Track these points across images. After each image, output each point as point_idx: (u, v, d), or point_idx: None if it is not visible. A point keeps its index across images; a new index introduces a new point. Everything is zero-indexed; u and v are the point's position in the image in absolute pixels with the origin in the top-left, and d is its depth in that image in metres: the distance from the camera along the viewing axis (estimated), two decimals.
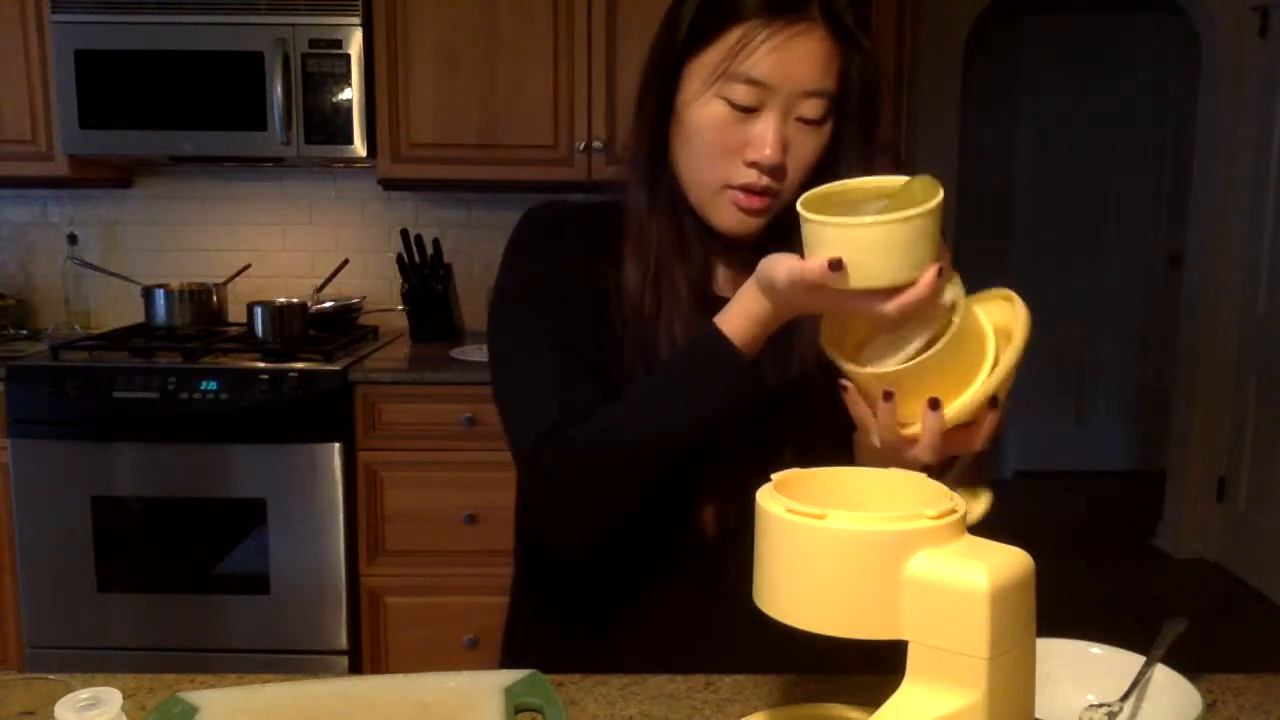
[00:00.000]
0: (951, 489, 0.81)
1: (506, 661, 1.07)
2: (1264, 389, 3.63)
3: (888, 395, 0.78)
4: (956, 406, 0.78)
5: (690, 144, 0.90)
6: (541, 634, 1.07)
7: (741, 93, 0.86)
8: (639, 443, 0.86)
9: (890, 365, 0.78)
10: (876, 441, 0.81)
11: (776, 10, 0.84)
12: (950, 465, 0.84)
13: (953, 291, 0.78)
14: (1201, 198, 3.90)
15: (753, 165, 0.88)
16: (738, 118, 0.87)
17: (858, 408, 0.82)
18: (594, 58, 2.56)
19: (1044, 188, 4.93)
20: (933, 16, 3.64)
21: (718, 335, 0.83)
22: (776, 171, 0.88)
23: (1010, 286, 0.83)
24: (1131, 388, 5.01)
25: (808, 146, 0.89)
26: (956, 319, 0.77)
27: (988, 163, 4.81)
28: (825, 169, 0.91)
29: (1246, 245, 3.72)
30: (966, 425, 0.80)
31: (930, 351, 0.77)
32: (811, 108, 0.87)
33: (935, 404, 0.77)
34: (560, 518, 0.93)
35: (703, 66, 0.88)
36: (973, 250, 4.54)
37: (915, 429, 0.79)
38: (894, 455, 0.80)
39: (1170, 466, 4.07)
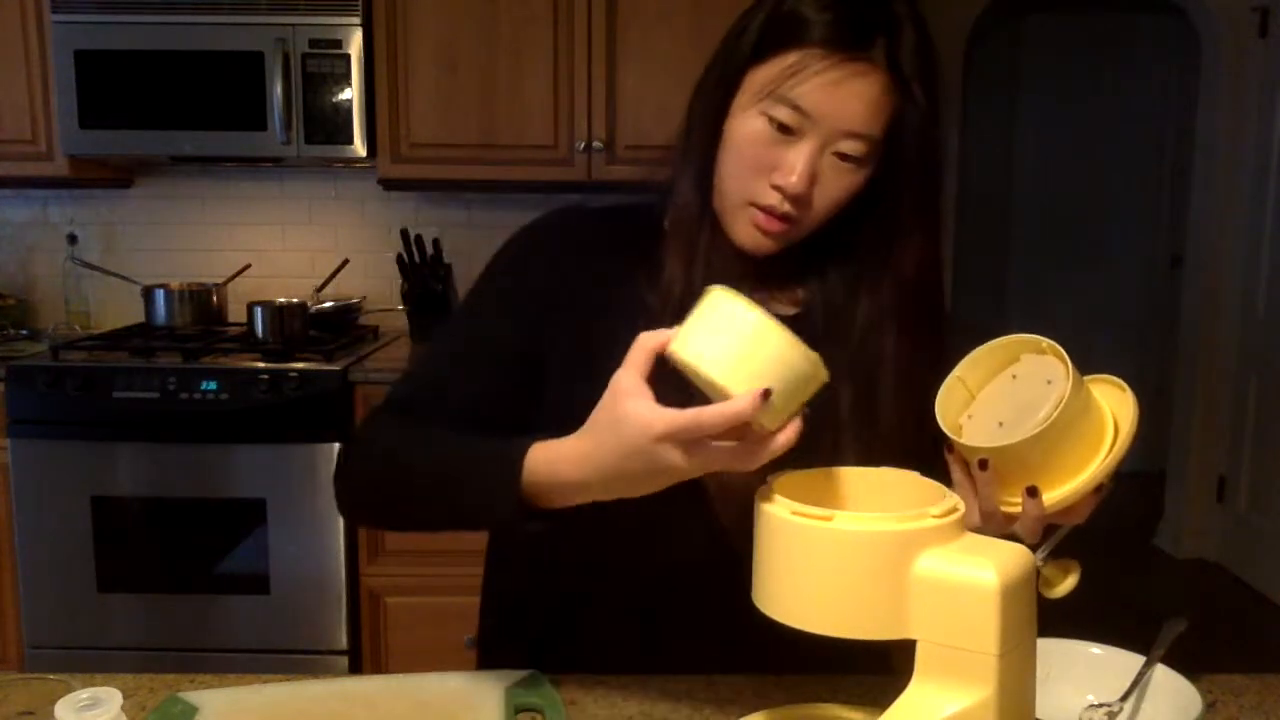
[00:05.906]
0: (1043, 563, 0.82)
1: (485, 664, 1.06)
2: (1264, 389, 3.62)
3: (983, 464, 0.76)
4: (1060, 494, 0.76)
5: (727, 152, 0.89)
6: (517, 642, 1.05)
7: (784, 114, 0.84)
8: (413, 497, 0.91)
9: (995, 441, 0.76)
10: (976, 514, 0.80)
11: (839, 44, 0.82)
12: (1050, 532, 0.83)
13: (1059, 386, 0.75)
14: (1201, 198, 3.90)
15: (777, 189, 0.86)
16: (776, 138, 0.85)
17: (957, 471, 0.81)
18: (594, 58, 2.56)
19: (1044, 188, 4.93)
20: (933, 16, 3.61)
21: (516, 462, 0.78)
22: (800, 201, 0.86)
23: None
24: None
25: (839, 184, 0.87)
26: (1056, 411, 0.73)
27: (988, 163, 4.80)
28: (873, 219, 0.90)
29: (1246, 245, 3.72)
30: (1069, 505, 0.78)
31: (1029, 433, 0.74)
32: (851, 146, 0.85)
33: (1034, 492, 0.76)
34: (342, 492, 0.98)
35: (757, 80, 0.86)
36: (973, 250, 4.55)
37: (1016, 507, 0.78)
38: (992, 524, 0.79)
39: (1170, 466, 4.07)
